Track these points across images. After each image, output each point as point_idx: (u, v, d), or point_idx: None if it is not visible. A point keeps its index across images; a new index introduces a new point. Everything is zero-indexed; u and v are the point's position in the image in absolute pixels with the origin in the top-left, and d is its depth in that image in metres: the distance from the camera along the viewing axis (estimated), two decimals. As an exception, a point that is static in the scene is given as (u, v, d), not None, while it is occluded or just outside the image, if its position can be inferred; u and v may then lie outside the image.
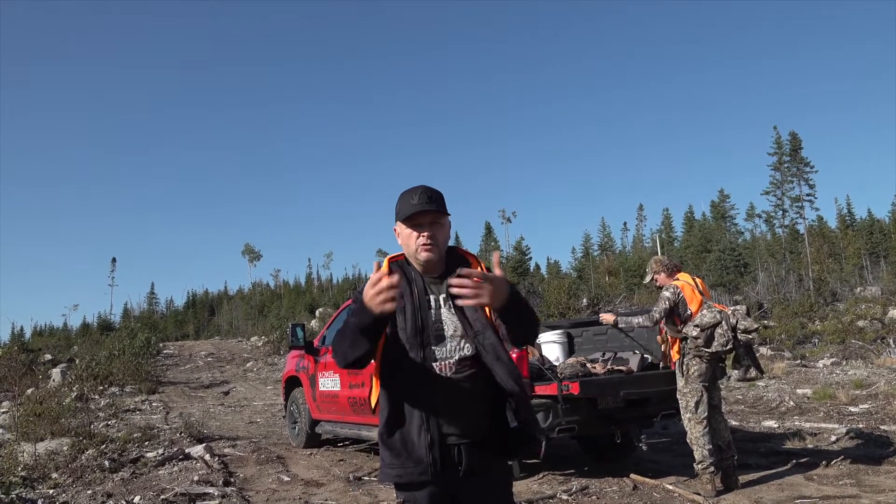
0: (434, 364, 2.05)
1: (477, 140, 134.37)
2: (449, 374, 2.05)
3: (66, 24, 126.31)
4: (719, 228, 53.98)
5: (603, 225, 76.26)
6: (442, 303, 2.12)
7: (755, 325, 5.37)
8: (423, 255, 2.10)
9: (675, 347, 5.60)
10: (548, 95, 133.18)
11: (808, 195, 43.49)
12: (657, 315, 5.63)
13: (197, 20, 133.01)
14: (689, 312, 5.53)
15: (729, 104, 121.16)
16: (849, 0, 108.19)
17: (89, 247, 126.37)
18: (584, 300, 28.03)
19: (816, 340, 18.50)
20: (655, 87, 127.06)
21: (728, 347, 5.34)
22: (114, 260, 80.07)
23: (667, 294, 5.62)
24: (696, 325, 5.37)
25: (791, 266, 36.86)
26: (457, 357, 2.07)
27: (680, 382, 5.53)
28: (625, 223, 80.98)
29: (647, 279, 6.01)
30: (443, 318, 2.10)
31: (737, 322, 5.33)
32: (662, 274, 5.85)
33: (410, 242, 2.11)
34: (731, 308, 5.50)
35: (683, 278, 5.72)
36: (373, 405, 2.16)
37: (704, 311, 5.45)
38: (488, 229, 58.22)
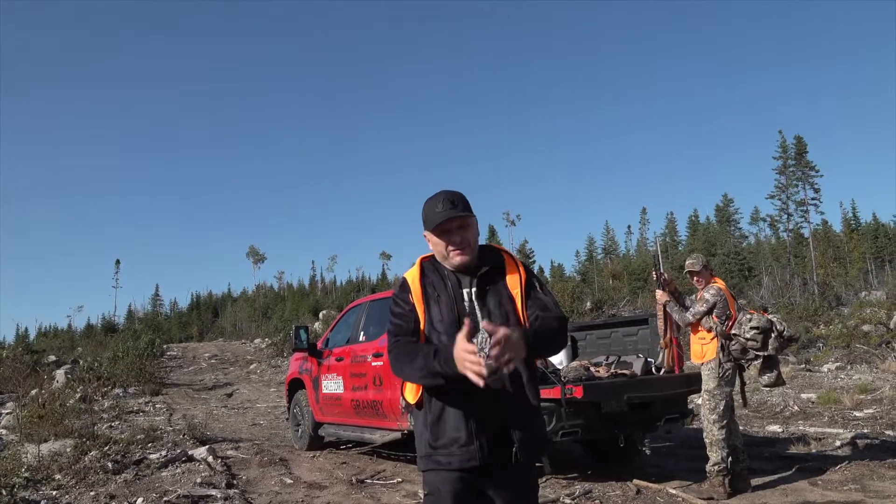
0: None
1: (481, 143, 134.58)
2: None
3: (66, 32, 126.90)
4: (724, 232, 53.88)
5: (607, 228, 76.13)
6: (474, 297, 2.18)
7: (798, 335, 5.49)
8: (456, 260, 2.19)
9: (711, 347, 5.54)
10: (552, 99, 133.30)
11: (812, 199, 43.52)
12: (691, 318, 5.63)
13: (201, 29, 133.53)
14: (729, 313, 5.55)
15: (734, 108, 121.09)
16: (854, 5, 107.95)
17: (94, 249, 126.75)
18: (588, 303, 28.02)
19: (821, 345, 18.38)
20: (660, 90, 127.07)
21: (778, 352, 5.47)
22: (118, 262, 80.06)
23: (707, 296, 5.60)
24: (755, 327, 5.39)
25: (796, 270, 36.77)
26: (487, 350, 2.08)
27: (711, 384, 5.49)
28: (629, 227, 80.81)
29: (689, 262, 5.84)
30: (476, 311, 2.16)
31: (784, 329, 5.44)
32: (705, 274, 5.76)
33: (441, 249, 2.20)
34: (772, 316, 5.58)
35: (721, 282, 5.76)
36: (412, 401, 2.21)
37: (750, 315, 5.51)
38: (492, 232, 58.28)
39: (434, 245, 2.21)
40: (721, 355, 5.48)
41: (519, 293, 2.21)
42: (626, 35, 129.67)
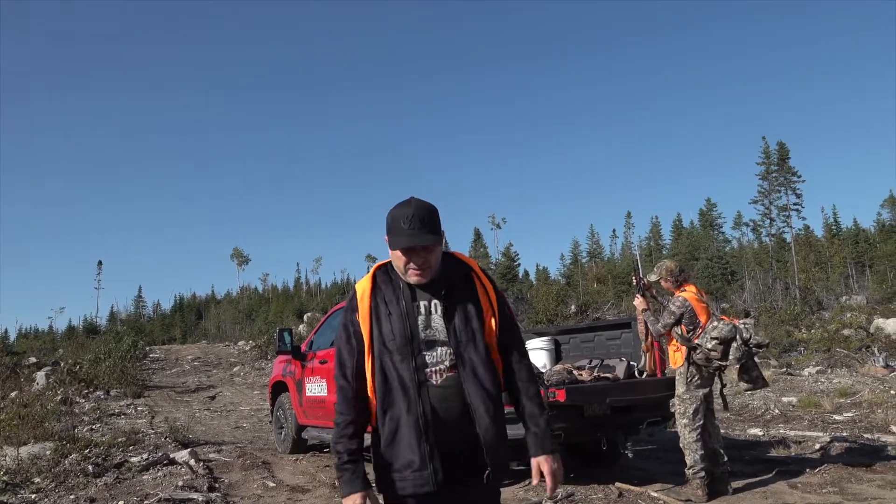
0: (426, 371, 2.02)
1: (467, 145, 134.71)
2: (439, 382, 2.02)
3: (60, 38, 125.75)
4: (707, 237, 54.24)
5: (592, 232, 76.28)
6: (433, 308, 2.08)
7: (767, 341, 5.50)
8: (413, 280, 2.08)
9: (680, 353, 5.62)
10: (539, 103, 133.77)
11: (794, 204, 43.98)
12: (662, 329, 5.70)
13: (185, 34, 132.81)
14: (698, 322, 5.58)
15: (718, 114, 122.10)
16: (839, 12, 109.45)
17: (76, 249, 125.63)
18: (573, 307, 28.16)
19: (802, 349, 18.60)
20: (644, 96, 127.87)
21: (743, 361, 5.45)
22: (100, 263, 79.27)
23: (672, 308, 5.66)
24: (714, 338, 5.43)
25: (777, 274, 37.19)
26: (447, 363, 2.04)
27: (681, 388, 5.58)
28: (613, 230, 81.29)
29: (654, 278, 6.02)
30: (433, 324, 2.06)
31: (750, 336, 5.45)
32: (669, 283, 5.87)
33: (400, 265, 2.08)
34: (741, 322, 5.59)
35: (690, 290, 5.76)
36: (374, 419, 2.11)
37: (717, 323, 5.52)
38: (477, 235, 58.15)
39: (394, 258, 2.09)
40: (689, 362, 5.55)
41: (488, 310, 2.12)
42: (612, 41, 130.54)
